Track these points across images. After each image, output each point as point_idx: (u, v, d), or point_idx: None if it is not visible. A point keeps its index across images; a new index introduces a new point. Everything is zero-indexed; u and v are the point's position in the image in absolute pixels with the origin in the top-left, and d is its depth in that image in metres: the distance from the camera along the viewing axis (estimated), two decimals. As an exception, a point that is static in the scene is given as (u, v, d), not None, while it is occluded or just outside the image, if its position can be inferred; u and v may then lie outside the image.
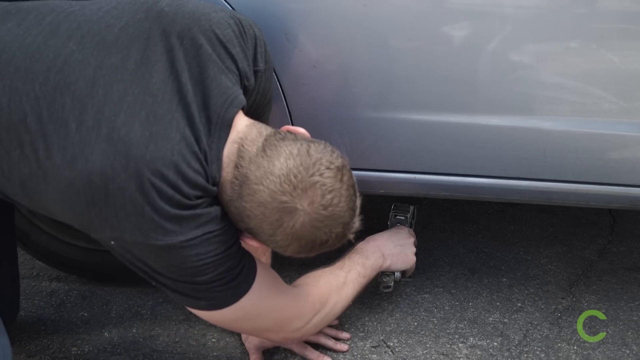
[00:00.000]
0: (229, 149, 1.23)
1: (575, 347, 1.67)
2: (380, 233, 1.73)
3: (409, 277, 1.86)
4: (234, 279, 1.30)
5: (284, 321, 1.44)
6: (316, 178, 1.18)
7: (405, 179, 1.69)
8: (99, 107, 1.17)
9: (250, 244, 1.29)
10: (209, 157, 1.22)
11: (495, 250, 2.10)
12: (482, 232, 2.21)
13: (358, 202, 1.28)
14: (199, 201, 1.21)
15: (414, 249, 1.73)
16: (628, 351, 1.65)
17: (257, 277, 1.34)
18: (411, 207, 1.84)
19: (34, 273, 2.04)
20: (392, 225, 1.81)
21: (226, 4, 1.53)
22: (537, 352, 1.65)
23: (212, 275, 1.26)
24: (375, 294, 1.88)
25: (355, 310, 1.82)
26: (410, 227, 1.84)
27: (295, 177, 1.17)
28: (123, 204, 1.16)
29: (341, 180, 1.21)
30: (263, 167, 1.18)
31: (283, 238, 1.21)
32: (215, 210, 1.23)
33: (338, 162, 1.23)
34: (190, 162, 1.18)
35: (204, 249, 1.22)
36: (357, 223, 1.27)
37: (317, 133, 1.66)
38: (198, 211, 1.21)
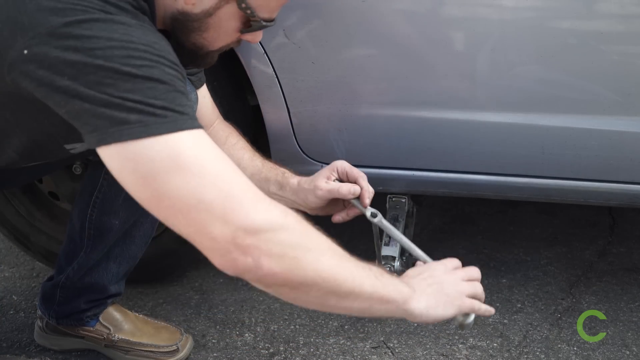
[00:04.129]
0: None
1: (575, 348, 1.66)
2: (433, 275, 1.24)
3: None
4: (180, 100, 1.01)
5: (233, 201, 0.99)
6: None
7: (404, 176, 1.69)
8: None
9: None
10: None
11: (495, 251, 2.10)
12: (482, 233, 2.21)
13: None
14: None
15: (463, 289, 1.23)
16: (628, 352, 1.65)
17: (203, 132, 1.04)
18: (406, 197, 1.81)
19: (34, 274, 2.04)
20: (391, 209, 1.78)
21: None
22: (537, 353, 1.65)
23: (159, 73, 1.00)
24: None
25: (355, 310, 1.82)
26: (411, 225, 1.84)
27: None
28: None
29: None
30: None
31: None
32: None
33: None
34: None
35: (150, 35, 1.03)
36: None
37: (316, 129, 1.65)
38: None
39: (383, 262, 1.73)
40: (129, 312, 1.69)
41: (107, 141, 0.98)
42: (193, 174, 0.98)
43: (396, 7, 1.52)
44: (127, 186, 1.01)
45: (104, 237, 1.57)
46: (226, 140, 1.50)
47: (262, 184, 1.44)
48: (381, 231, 1.55)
